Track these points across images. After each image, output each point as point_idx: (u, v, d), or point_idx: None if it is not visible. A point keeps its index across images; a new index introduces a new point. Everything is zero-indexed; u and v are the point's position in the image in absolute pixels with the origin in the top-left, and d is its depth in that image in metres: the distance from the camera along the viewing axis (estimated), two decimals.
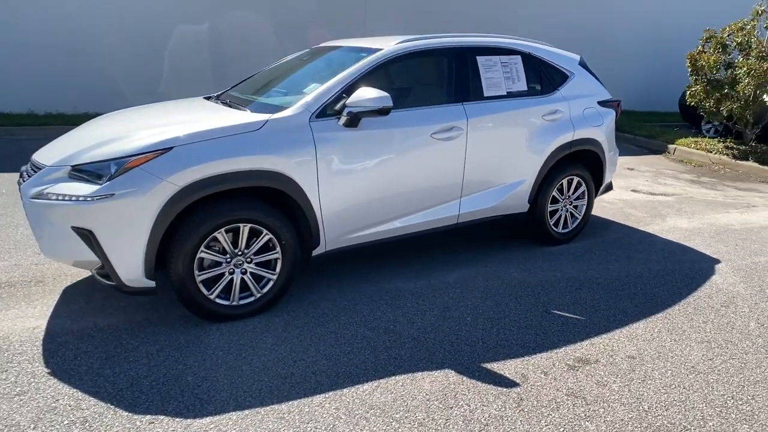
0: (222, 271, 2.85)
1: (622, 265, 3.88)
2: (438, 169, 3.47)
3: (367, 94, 2.93)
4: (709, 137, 9.20)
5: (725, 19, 8.44)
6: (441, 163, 3.47)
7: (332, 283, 3.41)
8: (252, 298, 2.96)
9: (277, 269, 2.98)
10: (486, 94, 3.66)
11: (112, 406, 2.21)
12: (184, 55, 9.72)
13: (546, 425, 2.14)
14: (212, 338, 2.76)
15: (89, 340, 2.71)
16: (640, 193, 6.08)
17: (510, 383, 2.42)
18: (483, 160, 3.64)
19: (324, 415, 2.18)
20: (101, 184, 2.54)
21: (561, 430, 2.12)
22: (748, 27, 7.85)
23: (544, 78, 4.03)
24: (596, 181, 4.45)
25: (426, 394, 2.33)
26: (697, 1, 12.44)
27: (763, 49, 7.49)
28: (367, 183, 3.17)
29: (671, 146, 8.59)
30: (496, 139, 3.70)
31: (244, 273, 2.91)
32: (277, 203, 2.96)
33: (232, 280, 2.88)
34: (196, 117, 3.13)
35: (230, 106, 3.31)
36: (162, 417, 2.16)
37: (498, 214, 3.90)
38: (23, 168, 2.98)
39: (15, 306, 3.04)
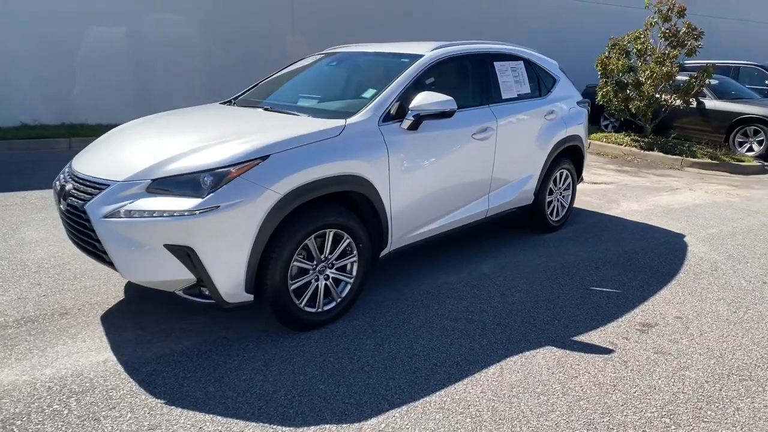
0: (309, 279, 2.82)
1: (615, 245, 4.43)
2: (475, 168, 3.72)
3: (431, 98, 3.08)
4: (606, 132, 10.53)
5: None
6: (478, 162, 3.73)
7: (383, 285, 3.49)
8: (333, 304, 2.96)
9: (354, 272, 3.01)
10: (503, 96, 3.98)
11: (268, 425, 2.14)
12: (100, 60, 8.92)
13: (657, 379, 2.49)
14: (311, 347, 2.73)
15: (180, 365, 2.54)
16: (585, 183, 6.85)
17: (606, 350, 2.74)
18: (506, 157, 3.96)
19: (477, 399, 2.31)
20: (203, 197, 2.40)
21: (670, 381, 2.47)
22: (642, 37, 9.17)
23: (540, 81, 4.46)
24: (577, 173, 5.01)
25: (548, 368, 2.56)
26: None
27: (659, 55, 8.80)
28: (423, 183, 3.32)
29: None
30: (516, 138, 4.04)
31: (327, 279, 2.90)
32: (349, 207, 3.00)
33: (317, 287, 2.86)
34: (262, 124, 3.06)
35: (280, 113, 3.27)
36: (328, 426, 2.14)
37: (513, 207, 4.25)
38: (68, 187, 2.70)
39: (59, 342, 2.73)
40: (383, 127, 3.07)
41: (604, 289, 3.51)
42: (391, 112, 3.14)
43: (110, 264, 2.55)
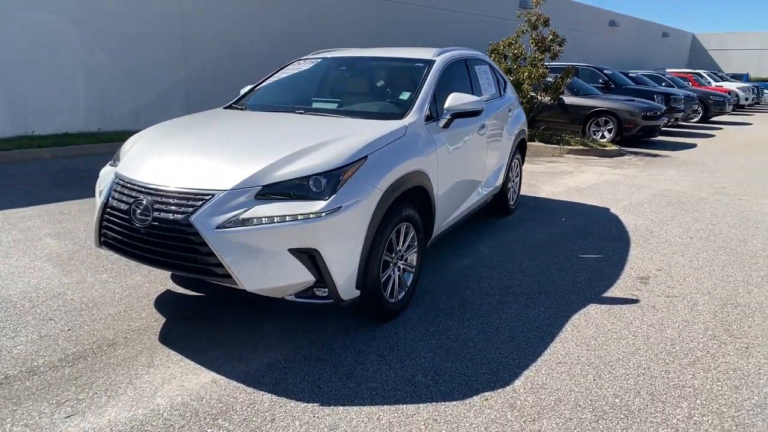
0: (390, 272, 2.96)
1: (569, 221, 5.22)
2: (478, 160, 4.15)
3: (463, 98, 3.41)
4: None
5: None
6: (479, 155, 4.16)
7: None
8: (403, 294, 3.13)
9: (415, 263, 3.22)
10: (483, 96, 4.46)
11: (439, 403, 2.29)
12: None
13: (685, 314, 3.17)
14: (403, 334, 2.88)
15: (297, 371, 2.52)
16: None
17: (634, 300, 3.36)
18: (492, 150, 4.45)
19: (579, 352, 2.72)
20: (325, 199, 2.42)
21: (694, 314, 3.17)
22: (515, 43, 10.50)
23: (498, 83, 5.04)
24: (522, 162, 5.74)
25: (607, 320, 3.08)
26: None
27: (533, 58, 10.18)
28: (452, 175, 3.65)
29: None
30: (496, 133, 4.55)
31: (399, 270, 3.07)
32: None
33: (394, 278, 3.01)
34: (332, 127, 3.09)
35: (324, 116, 3.35)
36: (487, 393, 2.36)
37: (491, 195, 4.77)
38: (144, 201, 2.46)
39: (139, 372, 2.50)
40: (427, 125, 3.32)
41: (590, 256, 4.21)
42: (428, 112, 3.39)
43: (222, 277, 2.40)
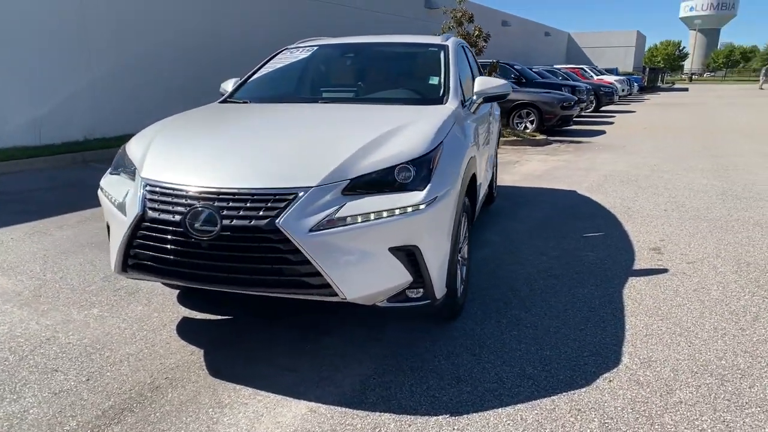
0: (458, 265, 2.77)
1: (549, 206, 5.35)
2: (491, 146, 4.14)
3: (492, 82, 3.31)
4: None
5: None
6: (492, 140, 4.14)
7: None
8: (462, 288, 2.95)
9: (467, 255, 3.05)
10: None
11: (569, 392, 2.16)
12: None
13: (713, 277, 3.34)
14: (483, 328, 2.70)
15: (397, 385, 2.25)
16: None
17: (663, 270, 3.49)
18: (492, 137, 4.43)
19: (657, 325, 2.74)
20: (421, 189, 2.16)
21: (718, 275, 3.34)
22: None
23: (479, 68, 5.05)
24: None
25: (653, 289, 3.15)
26: None
27: None
28: (482, 162, 3.59)
29: None
30: (492, 119, 4.53)
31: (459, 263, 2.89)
32: None
33: (460, 272, 2.82)
34: (382, 115, 2.84)
35: (359, 103, 3.12)
36: (610, 373, 2.26)
37: (488, 182, 4.74)
38: (201, 207, 2.04)
39: (215, 420, 2.10)
40: (463, 109, 3.17)
41: (594, 234, 4.33)
42: (461, 97, 3.26)
43: (317, 288, 2.05)
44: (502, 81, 3.35)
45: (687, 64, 76.57)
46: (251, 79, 3.60)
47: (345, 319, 2.80)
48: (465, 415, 2.02)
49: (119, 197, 2.32)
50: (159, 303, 3.08)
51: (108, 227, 2.53)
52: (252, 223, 1.99)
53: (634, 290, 3.17)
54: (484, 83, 3.27)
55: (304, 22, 13.90)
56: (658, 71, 45.87)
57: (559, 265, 3.62)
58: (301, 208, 2.00)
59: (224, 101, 3.41)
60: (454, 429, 1.95)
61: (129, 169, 2.46)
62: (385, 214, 2.07)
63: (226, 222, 2.00)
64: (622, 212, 4.99)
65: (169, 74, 10.58)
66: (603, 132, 12.21)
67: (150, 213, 2.12)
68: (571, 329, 2.70)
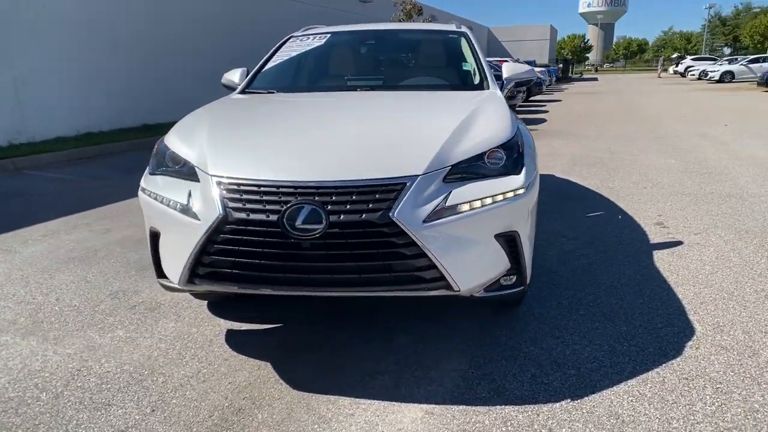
0: None
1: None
2: None
3: (520, 68, 3.30)
4: None
5: None
6: None
7: None
8: None
9: None
10: None
11: (665, 365, 2.19)
12: None
13: (726, 245, 3.56)
14: (550, 310, 2.69)
15: (502, 375, 2.18)
16: None
17: (678, 242, 3.67)
18: None
19: (709, 297, 2.87)
20: (517, 174, 2.10)
21: (734, 245, 3.57)
22: None
23: None
24: None
25: (680, 260, 3.30)
26: None
27: None
28: None
29: None
30: None
31: None
32: None
33: None
34: (441, 102, 2.78)
35: (404, 90, 3.03)
36: (695, 341, 2.33)
37: None
38: (296, 202, 1.84)
39: (340, 424, 1.94)
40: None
41: (595, 213, 4.49)
42: None
43: (429, 282, 1.91)
44: (527, 66, 3.36)
45: (591, 56, 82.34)
46: (265, 68, 3.34)
47: (407, 318, 2.68)
48: (585, 398, 1.99)
49: (180, 199, 2.04)
50: (191, 317, 2.79)
51: (154, 234, 2.23)
52: (363, 217, 1.82)
53: (663, 262, 3.31)
54: (513, 69, 3.25)
55: (232, 9, 13.32)
56: (568, 63, 48.97)
57: (582, 245, 3.70)
58: (411, 199, 1.86)
59: (244, 92, 3.14)
60: (583, 412, 1.91)
61: (180, 168, 2.18)
62: (489, 200, 1.99)
63: (333, 218, 1.81)
64: (608, 192, 5.22)
65: (98, 72, 9.72)
66: (544, 120, 12.77)
67: (235, 214, 1.88)
68: (631, 304, 2.76)
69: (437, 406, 1.99)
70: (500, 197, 2.01)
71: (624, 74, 58.46)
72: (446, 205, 1.91)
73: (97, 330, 2.69)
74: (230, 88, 3.39)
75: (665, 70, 44.24)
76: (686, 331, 2.46)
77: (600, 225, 4.14)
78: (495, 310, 2.73)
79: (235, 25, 13.50)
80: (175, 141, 2.30)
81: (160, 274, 2.33)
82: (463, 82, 3.18)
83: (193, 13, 12.06)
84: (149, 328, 2.69)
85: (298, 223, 1.82)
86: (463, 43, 3.42)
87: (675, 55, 57.72)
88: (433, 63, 3.52)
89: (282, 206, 1.84)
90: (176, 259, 2.05)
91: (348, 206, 1.84)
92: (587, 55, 76.52)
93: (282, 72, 3.36)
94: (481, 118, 2.30)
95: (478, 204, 1.96)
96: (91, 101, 9.58)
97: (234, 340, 2.55)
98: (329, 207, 1.83)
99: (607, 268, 3.25)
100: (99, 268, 3.55)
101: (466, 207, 1.94)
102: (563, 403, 1.97)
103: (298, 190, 1.86)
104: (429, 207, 1.88)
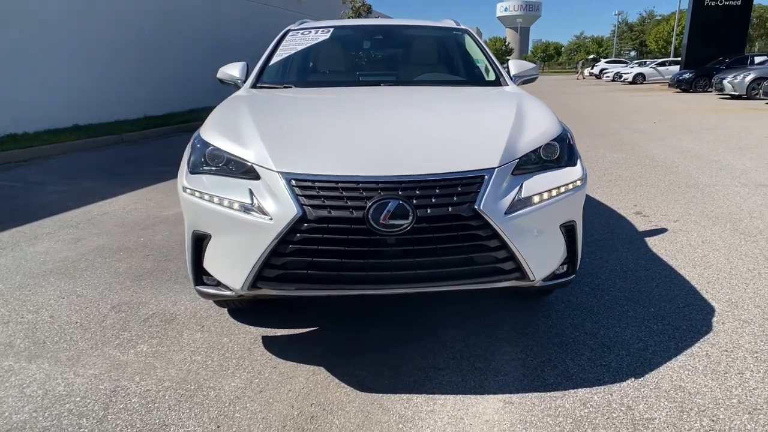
0: None
1: None
2: None
3: (525, 65, 3.40)
4: None
5: None
6: None
7: None
8: None
9: None
10: None
11: (705, 339, 2.35)
12: None
13: (712, 229, 3.87)
14: (578, 295, 2.80)
15: (562, 360, 2.25)
16: None
17: (662, 229, 3.93)
18: None
19: (714, 275, 3.10)
20: (574, 165, 2.18)
21: (720, 229, 3.89)
22: None
23: None
24: None
25: (671, 245, 3.55)
26: None
27: None
28: None
29: None
30: None
31: None
32: None
33: None
34: (476, 98, 2.82)
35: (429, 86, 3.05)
36: (725, 317, 2.50)
37: None
38: (383, 197, 1.79)
39: (424, 422, 1.92)
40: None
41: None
42: None
43: (507, 273, 1.93)
44: (532, 64, 3.46)
45: (512, 59, 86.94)
46: (271, 63, 3.21)
47: (445, 313, 2.69)
48: (647, 375, 2.10)
49: (240, 198, 1.92)
50: (216, 327, 2.63)
51: (199, 238, 2.08)
52: (451, 210, 1.81)
53: (659, 248, 3.55)
54: (520, 66, 3.34)
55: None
56: None
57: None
58: (492, 191, 1.87)
59: (255, 86, 2.99)
60: (650, 388, 2.01)
61: (227, 166, 2.04)
62: (554, 192, 2.05)
63: (420, 212, 1.78)
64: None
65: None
66: None
67: (314, 212, 1.79)
68: (647, 287, 2.93)
69: (513, 395, 2.02)
70: (563, 188, 2.07)
71: (543, 76, 61.83)
72: (521, 197, 1.94)
73: (115, 347, 2.47)
74: (228, 84, 3.23)
75: (581, 73, 47.37)
76: (707, 308, 2.66)
77: (585, 216, 4.35)
78: (523, 299, 2.80)
79: (168, 18, 12.83)
80: (216, 136, 2.16)
81: (199, 281, 2.18)
82: (480, 78, 3.24)
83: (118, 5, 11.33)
84: (175, 341, 2.50)
85: (383, 218, 1.77)
86: (468, 40, 3.48)
87: (591, 57, 61.95)
88: (443, 59, 3.55)
89: (365, 202, 1.78)
90: (237, 262, 1.92)
91: (434, 200, 1.82)
92: (508, 57, 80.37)
93: (288, 66, 3.25)
94: (529, 113, 2.35)
95: (546, 195, 2.01)
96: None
97: (274, 346, 2.44)
98: (415, 201, 1.80)
99: (610, 255, 3.43)
100: (85, 281, 3.25)
101: (537, 198, 1.98)
102: (629, 381, 2.07)
103: (380, 185, 1.82)
104: (507, 199, 1.90)
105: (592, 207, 4.65)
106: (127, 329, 2.63)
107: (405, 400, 2.02)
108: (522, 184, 1.98)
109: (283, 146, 2.02)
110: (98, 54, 10.64)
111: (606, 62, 45.23)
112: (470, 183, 1.87)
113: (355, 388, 2.10)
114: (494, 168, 1.92)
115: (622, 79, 32.80)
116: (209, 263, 2.09)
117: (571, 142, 2.26)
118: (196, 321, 2.69)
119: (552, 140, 2.18)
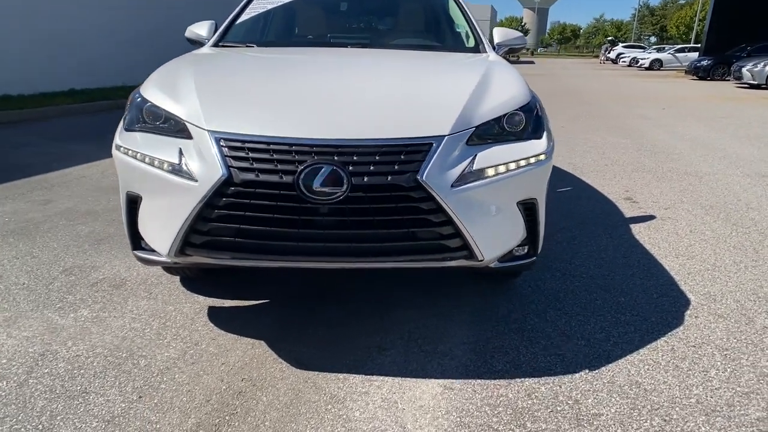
0: None
1: None
2: None
3: (511, 33, 3.18)
4: None
5: None
6: None
7: None
8: None
9: None
10: None
11: (674, 332, 2.21)
12: None
13: (702, 217, 3.69)
14: (547, 285, 2.66)
15: (511, 348, 2.12)
16: None
17: (651, 216, 3.76)
18: None
19: (694, 266, 2.95)
20: (539, 138, 1.99)
21: (711, 216, 3.71)
22: None
23: None
24: None
25: (658, 233, 3.38)
26: None
27: None
28: None
29: None
30: None
31: None
32: None
33: None
34: (433, 63, 2.62)
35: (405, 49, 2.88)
36: (698, 308, 2.36)
37: None
38: (313, 163, 1.64)
39: (343, 415, 1.79)
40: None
41: (564, 189, 4.53)
42: None
43: (452, 252, 1.78)
44: (518, 32, 3.25)
45: (528, 40, 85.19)
46: (238, 22, 3.03)
47: (401, 291, 2.56)
48: (603, 368, 1.97)
49: (168, 158, 1.78)
50: (164, 294, 2.53)
51: (132, 199, 1.96)
52: (390, 179, 1.66)
53: (643, 235, 3.38)
54: (504, 34, 3.13)
55: None
56: None
57: (559, 218, 3.71)
58: (438, 161, 1.71)
59: (217, 45, 2.83)
60: (604, 382, 1.88)
61: (162, 124, 1.90)
62: (513, 165, 1.88)
63: (356, 180, 1.64)
64: (572, 168, 5.30)
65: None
66: None
67: (240, 175, 1.65)
68: (622, 275, 2.78)
69: (455, 380, 1.90)
70: (524, 162, 1.91)
71: (559, 59, 60.53)
72: (473, 169, 1.78)
73: (56, 310, 2.37)
74: (196, 42, 3.06)
75: (598, 56, 46.23)
76: (681, 300, 2.51)
77: (572, 200, 4.18)
78: (490, 282, 2.67)
79: None
80: (155, 93, 2.01)
81: (137, 245, 2.07)
82: (458, 44, 3.04)
83: None
84: (118, 307, 2.40)
85: (316, 185, 1.63)
86: (452, 4, 3.27)
87: (609, 38, 60.37)
88: (421, 23, 3.34)
89: (297, 166, 1.64)
90: (164, 227, 1.80)
91: (372, 167, 1.66)
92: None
93: (257, 25, 3.07)
94: (496, 81, 2.17)
95: (503, 169, 1.85)
96: None
97: (218, 317, 2.33)
98: (351, 168, 1.65)
99: (589, 241, 3.27)
100: (44, 242, 3.16)
101: (491, 171, 1.82)
102: (582, 373, 1.94)
103: (315, 149, 1.66)
104: (456, 171, 1.74)
105: (581, 190, 4.47)
106: (73, 293, 2.53)
107: (341, 379, 1.91)
108: (476, 155, 1.81)
109: (218, 104, 1.87)
110: (100, 20, 10.45)
111: (623, 47, 44.07)
112: (415, 151, 1.71)
113: (292, 365, 1.99)
114: (444, 136, 1.76)
115: (638, 65, 31.98)
116: (142, 227, 1.97)
117: (540, 113, 2.08)
118: (145, 288, 2.59)
119: (517, 109, 2.00)
